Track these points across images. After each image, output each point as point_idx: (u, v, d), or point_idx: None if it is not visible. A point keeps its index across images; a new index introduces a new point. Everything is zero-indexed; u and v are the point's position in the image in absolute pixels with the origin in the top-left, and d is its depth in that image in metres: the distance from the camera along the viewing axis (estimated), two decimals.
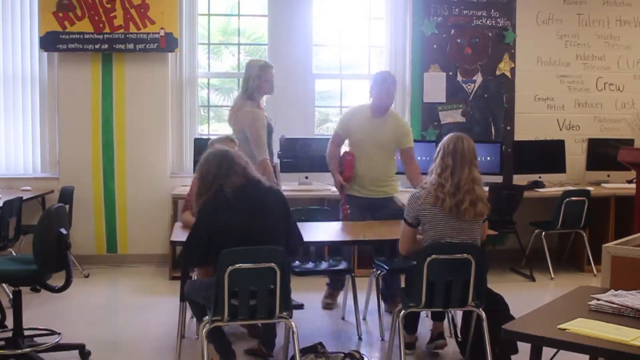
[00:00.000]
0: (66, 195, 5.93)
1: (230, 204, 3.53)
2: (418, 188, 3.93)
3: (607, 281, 3.05)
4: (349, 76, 7.25)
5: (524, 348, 2.72)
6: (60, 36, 6.33)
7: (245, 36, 7.48)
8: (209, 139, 5.27)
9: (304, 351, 3.97)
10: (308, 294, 5.34)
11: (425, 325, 4.50)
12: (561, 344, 2.42)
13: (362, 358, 4.03)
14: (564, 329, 2.42)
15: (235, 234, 3.49)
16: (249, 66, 5.12)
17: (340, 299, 5.17)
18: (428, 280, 3.58)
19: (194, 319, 4.29)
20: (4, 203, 5.25)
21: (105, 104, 6.53)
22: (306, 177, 6.41)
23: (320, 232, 4.54)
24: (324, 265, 4.86)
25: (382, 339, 4.51)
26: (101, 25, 6.36)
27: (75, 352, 4.08)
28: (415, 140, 5.37)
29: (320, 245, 4.89)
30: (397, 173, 5.20)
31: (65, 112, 6.52)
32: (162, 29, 6.42)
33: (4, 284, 4.99)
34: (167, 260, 6.20)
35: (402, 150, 5.02)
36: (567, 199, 6.14)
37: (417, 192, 3.81)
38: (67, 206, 4.47)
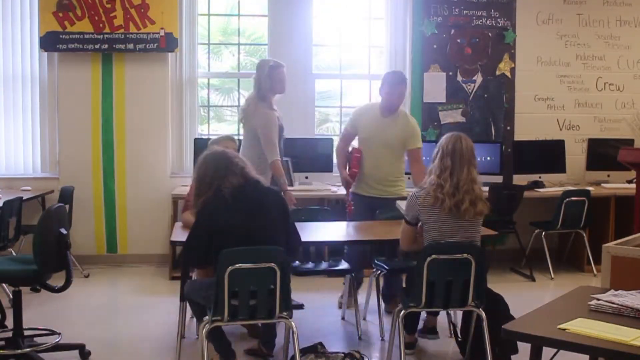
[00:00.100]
0: (66, 195, 5.93)
1: (229, 205, 3.53)
2: (417, 188, 3.93)
3: (607, 281, 3.05)
4: (349, 76, 7.25)
5: (524, 348, 2.72)
6: (60, 36, 6.33)
7: (245, 36, 7.49)
8: (209, 139, 5.28)
9: (304, 351, 3.97)
10: (308, 294, 5.35)
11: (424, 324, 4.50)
12: (561, 344, 2.42)
13: (362, 358, 4.03)
14: (564, 329, 2.42)
15: (234, 234, 3.49)
16: (260, 66, 5.10)
17: (337, 298, 5.18)
18: (428, 280, 3.58)
19: (194, 319, 4.29)
20: (4, 203, 5.25)
21: (105, 104, 6.53)
22: (306, 177, 6.41)
23: (320, 232, 4.53)
24: (324, 265, 4.86)
25: (382, 339, 4.51)
26: (101, 25, 6.36)
27: (75, 352, 4.08)
28: None
29: (320, 245, 4.89)
30: (406, 173, 5.16)
31: (65, 112, 6.52)
32: (162, 29, 6.42)
33: (4, 284, 4.99)
34: (167, 260, 6.20)
35: (409, 150, 5.00)
36: (567, 199, 6.14)
37: (417, 191, 3.81)
38: (67, 206, 4.47)
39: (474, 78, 6.89)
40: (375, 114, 5.04)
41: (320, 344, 4.11)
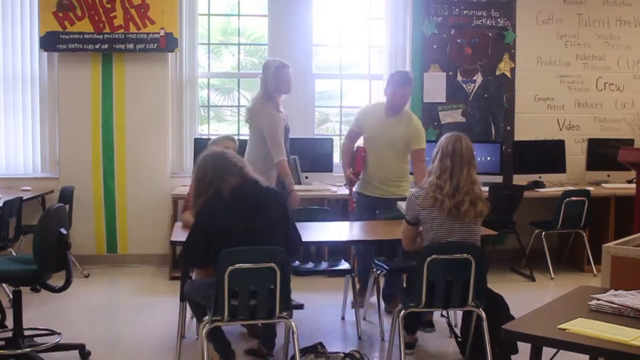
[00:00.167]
0: (66, 195, 5.93)
1: (228, 205, 3.53)
2: (417, 187, 3.93)
3: (607, 281, 3.05)
4: (349, 76, 7.25)
5: (524, 348, 2.72)
6: (60, 36, 6.33)
7: (245, 36, 7.49)
8: (209, 139, 5.28)
9: (304, 351, 3.97)
10: (308, 294, 5.35)
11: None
12: (561, 344, 2.42)
13: (362, 358, 4.03)
14: (564, 329, 2.42)
15: (233, 235, 3.49)
16: (266, 67, 5.11)
17: (340, 297, 5.18)
18: (428, 280, 3.59)
19: (194, 319, 4.29)
20: (4, 203, 5.25)
21: (105, 104, 6.53)
22: (306, 177, 6.41)
23: (321, 232, 4.53)
24: (324, 265, 4.86)
25: (382, 339, 4.51)
26: (101, 25, 6.36)
27: (75, 352, 4.08)
28: None
29: (320, 245, 4.89)
30: (411, 174, 5.16)
31: (65, 112, 6.52)
32: (162, 29, 6.42)
33: (4, 284, 4.99)
34: (167, 260, 6.20)
35: (413, 151, 4.99)
36: (567, 199, 6.14)
37: (417, 191, 3.81)
38: (67, 206, 4.47)
39: (474, 78, 6.89)
40: (380, 114, 5.05)
41: (320, 344, 4.11)
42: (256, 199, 3.62)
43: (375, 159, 5.01)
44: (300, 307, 5.05)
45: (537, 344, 2.48)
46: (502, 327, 2.51)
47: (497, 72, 6.92)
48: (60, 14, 6.32)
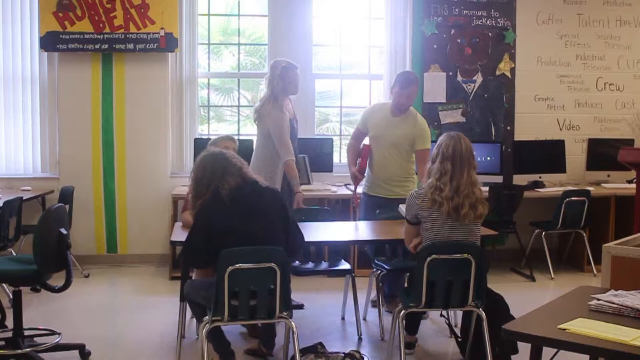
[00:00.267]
0: (66, 195, 5.93)
1: (227, 206, 3.53)
2: (417, 187, 3.93)
3: (607, 281, 3.05)
4: (349, 76, 7.25)
5: (524, 348, 2.72)
6: (60, 36, 6.34)
7: (245, 36, 7.49)
8: (209, 139, 5.28)
9: (304, 351, 3.97)
10: (308, 294, 5.36)
11: (424, 324, 4.50)
12: (561, 344, 2.42)
13: (362, 358, 4.03)
14: (564, 329, 2.42)
15: (232, 235, 3.49)
16: (273, 67, 5.11)
17: (340, 297, 5.18)
18: (428, 280, 3.59)
19: (194, 319, 4.29)
20: (4, 203, 5.25)
21: (105, 104, 6.53)
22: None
23: (321, 232, 4.53)
24: (324, 265, 4.86)
25: (382, 339, 4.51)
26: (101, 25, 6.36)
27: (75, 352, 4.08)
28: None
29: (320, 245, 4.89)
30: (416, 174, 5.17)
31: (65, 112, 6.52)
32: (162, 29, 6.43)
33: (4, 284, 4.99)
34: (167, 260, 6.21)
35: (417, 151, 4.99)
36: (567, 199, 6.15)
37: (416, 191, 3.81)
38: (67, 206, 4.47)
39: (474, 78, 6.89)
40: (386, 113, 5.07)
41: (320, 344, 4.11)
42: (255, 199, 3.62)
43: (380, 158, 5.03)
44: (300, 307, 5.07)
45: (537, 344, 2.48)
46: (502, 327, 2.51)
47: (497, 72, 6.92)
48: (60, 14, 6.32)
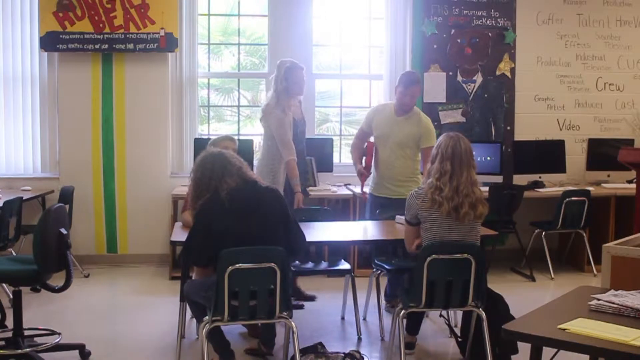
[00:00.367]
0: (66, 195, 5.93)
1: (226, 207, 3.54)
2: (417, 187, 3.93)
3: (607, 281, 3.05)
4: (349, 76, 7.25)
5: (524, 348, 2.72)
6: (61, 36, 6.33)
7: (245, 36, 7.49)
8: (209, 139, 5.28)
9: (304, 351, 3.97)
10: (308, 294, 5.35)
11: (424, 324, 4.49)
12: (561, 344, 2.42)
13: (362, 358, 4.03)
14: (564, 329, 2.42)
15: (232, 236, 3.49)
16: (278, 67, 5.15)
17: (340, 297, 5.18)
18: (428, 280, 3.59)
19: (194, 319, 4.29)
20: (4, 203, 5.25)
21: (105, 104, 6.53)
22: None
23: (320, 232, 4.53)
24: (323, 265, 4.86)
25: (382, 339, 4.51)
26: (101, 25, 6.36)
27: (75, 352, 4.08)
28: None
29: (320, 245, 4.89)
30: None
31: (65, 112, 6.52)
32: (162, 29, 6.42)
33: (4, 284, 4.99)
34: (167, 260, 6.21)
35: (423, 149, 5.02)
36: (567, 199, 6.15)
37: (416, 191, 3.81)
38: (67, 206, 4.47)
39: (474, 78, 6.89)
40: (390, 113, 5.10)
41: (320, 344, 4.11)
42: (254, 199, 3.62)
43: (385, 158, 5.06)
44: (300, 307, 5.08)
45: (537, 344, 2.48)
46: (502, 327, 2.51)
47: (497, 72, 6.92)
48: (60, 14, 6.32)
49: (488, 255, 5.07)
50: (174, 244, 5.00)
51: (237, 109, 7.37)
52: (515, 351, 3.71)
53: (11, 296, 4.54)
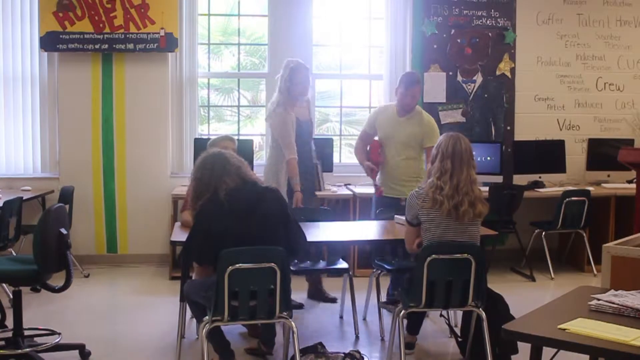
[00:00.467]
0: (66, 195, 5.93)
1: (225, 207, 3.54)
2: (417, 187, 3.93)
3: (607, 281, 3.05)
4: (349, 76, 7.25)
5: (524, 348, 2.72)
6: (61, 36, 6.33)
7: (245, 36, 7.48)
8: (209, 138, 5.29)
9: (304, 351, 3.97)
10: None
11: (424, 324, 4.49)
12: (561, 344, 2.42)
13: (362, 358, 4.03)
14: (564, 329, 2.42)
15: (232, 237, 3.49)
16: (284, 67, 5.16)
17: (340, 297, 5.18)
18: (428, 280, 3.59)
19: (194, 319, 4.29)
20: (4, 203, 5.25)
21: (105, 104, 6.53)
22: None
23: (320, 232, 4.53)
24: (321, 264, 4.85)
25: (382, 339, 4.51)
26: (101, 25, 6.36)
27: (75, 352, 4.08)
28: None
29: (319, 245, 4.89)
30: None
31: (65, 112, 6.52)
32: (162, 29, 6.42)
33: (4, 284, 4.99)
34: (167, 260, 6.21)
35: (426, 149, 5.02)
36: (567, 199, 6.14)
37: (416, 191, 3.81)
38: (67, 206, 4.47)
39: (474, 78, 6.88)
40: (392, 114, 5.13)
41: (320, 344, 4.11)
42: (253, 199, 3.62)
43: (390, 159, 5.08)
44: (300, 307, 5.08)
45: (537, 344, 2.48)
46: (502, 327, 2.51)
47: (497, 72, 6.92)
48: (60, 14, 6.32)
49: (488, 255, 5.07)
50: (174, 244, 5.00)
51: (237, 109, 7.37)
52: (515, 351, 3.71)
53: (11, 296, 4.54)
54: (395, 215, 4.62)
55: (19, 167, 6.64)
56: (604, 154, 6.78)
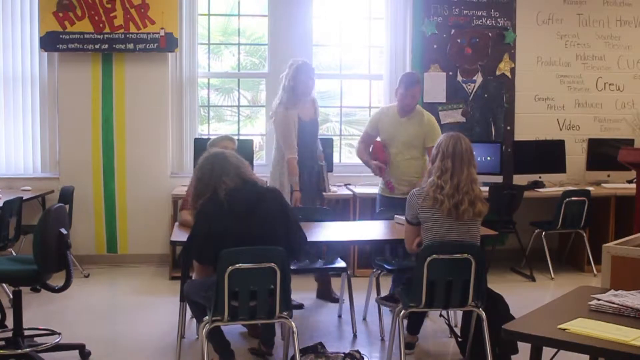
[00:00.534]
0: (66, 195, 5.93)
1: (224, 207, 3.54)
2: (417, 187, 3.93)
3: (607, 281, 3.05)
4: (349, 76, 7.25)
5: (524, 348, 2.72)
6: (61, 36, 6.33)
7: (245, 36, 7.48)
8: (209, 138, 5.29)
9: (304, 351, 3.97)
10: (308, 294, 5.35)
11: (425, 325, 4.49)
12: (561, 344, 2.42)
13: (362, 358, 4.03)
14: (564, 329, 2.42)
15: (232, 237, 3.49)
16: (288, 65, 5.18)
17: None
18: (428, 280, 3.59)
19: (194, 319, 4.29)
20: (4, 203, 5.25)
21: (105, 104, 6.53)
22: None
23: (320, 232, 4.53)
24: (319, 263, 4.85)
25: (382, 339, 4.50)
26: (101, 25, 6.36)
27: (75, 352, 4.08)
28: None
29: (320, 245, 4.89)
30: None
31: (65, 112, 6.52)
32: (162, 29, 6.42)
33: (4, 284, 4.99)
34: (167, 260, 6.21)
35: (428, 148, 5.02)
36: (567, 199, 6.14)
37: (417, 190, 3.82)
38: (67, 206, 4.47)
39: (474, 78, 6.88)
40: (394, 115, 5.14)
41: (320, 344, 4.11)
42: (252, 200, 3.61)
43: (393, 159, 5.09)
44: (300, 307, 5.08)
45: (537, 344, 2.48)
46: (502, 327, 2.51)
47: (497, 72, 6.92)
48: (60, 14, 6.32)
49: (488, 255, 5.07)
50: (174, 244, 5.00)
51: (237, 109, 7.37)
52: (515, 351, 3.71)
53: (11, 296, 4.54)
54: (395, 215, 4.62)
55: (19, 167, 6.64)
56: (604, 154, 6.78)
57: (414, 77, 5.16)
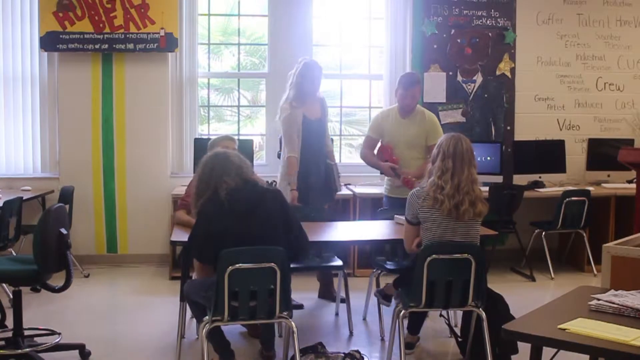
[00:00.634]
0: (66, 195, 5.93)
1: (224, 207, 3.54)
2: (417, 187, 3.93)
3: (607, 281, 3.05)
4: (349, 76, 7.25)
5: (524, 348, 2.72)
6: (61, 36, 6.33)
7: (245, 36, 7.48)
8: (209, 138, 5.28)
9: (304, 351, 3.97)
10: (308, 294, 5.35)
11: (425, 325, 4.49)
12: (561, 344, 2.42)
13: (362, 358, 4.03)
14: (564, 329, 2.42)
15: (233, 237, 3.49)
16: (297, 63, 5.18)
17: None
18: (428, 280, 3.59)
19: (194, 319, 4.29)
20: (4, 203, 5.25)
21: (105, 104, 6.53)
22: None
23: (320, 232, 4.53)
24: (316, 262, 4.84)
25: (382, 339, 4.50)
26: (101, 25, 6.36)
27: (75, 352, 4.08)
28: None
29: (320, 245, 4.89)
30: None
31: (65, 112, 6.52)
32: (162, 29, 6.42)
33: (4, 284, 4.99)
34: (167, 260, 6.21)
35: (429, 147, 5.00)
36: (567, 199, 6.14)
37: (417, 190, 3.82)
38: (67, 206, 4.47)
39: (474, 78, 6.88)
40: (395, 117, 5.16)
41: (320, 344, 4.11)
42: (253, 200, 3.61)
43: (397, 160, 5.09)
44: (300, 307, 5.07)
45: (537, 344, 2.48)
46: (502, 327, 2.51)
47: (497, 72, 6.91)
48: (60, 14, 6.32)
49: (488, 255, 5.07)
50: (174, 244, 5.00)
51: (237, 109, 7.37)
52: (515, 351, 3.71)
53: (11, 296, 4.54)
54: (395, 215, 4.63)
55: (19, 167, 6.64)
56: (604, 154, 6.78)
57: (414, 78, 5.17)
